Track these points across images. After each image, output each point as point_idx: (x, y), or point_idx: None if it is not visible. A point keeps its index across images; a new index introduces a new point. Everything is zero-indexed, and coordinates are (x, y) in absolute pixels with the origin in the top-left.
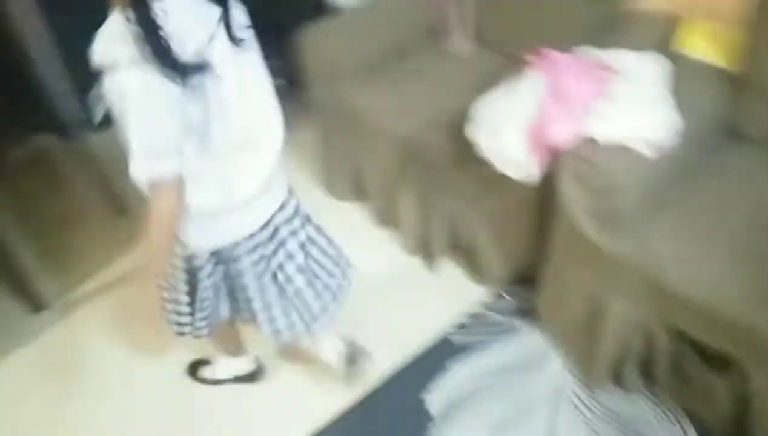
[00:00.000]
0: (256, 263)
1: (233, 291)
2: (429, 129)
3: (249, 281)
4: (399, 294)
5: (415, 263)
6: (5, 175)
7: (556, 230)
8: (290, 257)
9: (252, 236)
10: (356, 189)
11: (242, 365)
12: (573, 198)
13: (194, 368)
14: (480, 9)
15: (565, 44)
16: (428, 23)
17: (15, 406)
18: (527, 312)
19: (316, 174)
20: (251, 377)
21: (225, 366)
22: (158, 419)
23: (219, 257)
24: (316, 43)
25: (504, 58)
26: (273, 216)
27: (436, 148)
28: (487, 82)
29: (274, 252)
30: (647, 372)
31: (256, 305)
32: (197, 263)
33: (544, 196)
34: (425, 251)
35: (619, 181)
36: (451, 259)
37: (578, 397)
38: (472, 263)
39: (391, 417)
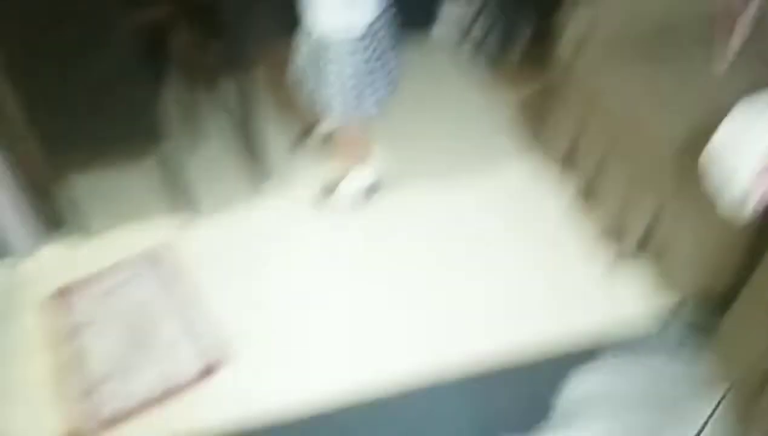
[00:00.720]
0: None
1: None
2: (665, 127)
3: (333, 68)
4: (573, 273)
5: (601, 247)
6: (270, 65)
7: (761, 267)
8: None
9: (347, 35)
10: (566, 157)
11: (367, 175)
12: None
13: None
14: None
15: None
16: (703, 22)
17: (223, 252)
18: (699, 338)
19: (525, 142)
20: (374, 188)
21: (352, 180)
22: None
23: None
24: (579, 6)
25: None
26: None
27: (667, 148)
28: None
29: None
30: None
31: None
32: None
33: (759, 229)
34: (616, 237)
35: None
36: (639, 256)
37: None
38: (659, 267)
39: (514, 396)
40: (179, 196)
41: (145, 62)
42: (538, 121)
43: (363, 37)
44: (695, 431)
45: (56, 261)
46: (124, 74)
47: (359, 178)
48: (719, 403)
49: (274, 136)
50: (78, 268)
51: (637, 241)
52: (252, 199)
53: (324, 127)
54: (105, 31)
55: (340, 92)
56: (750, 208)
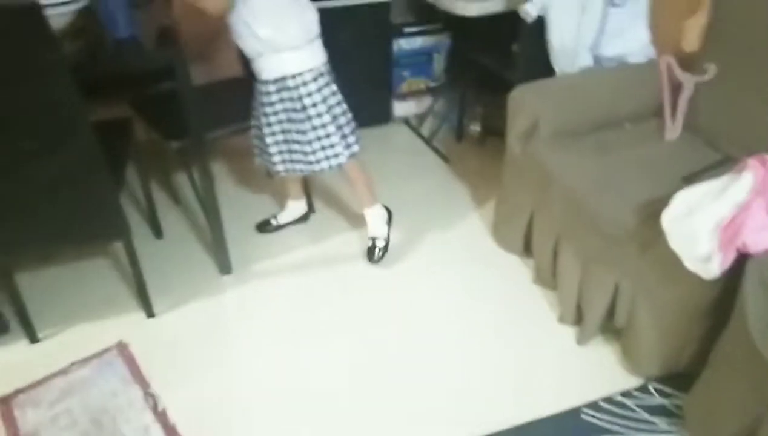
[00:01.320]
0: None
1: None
2: (615, 203)
3: (309, 111)
4: (541, 355)
5: (564, 330)
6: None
7: (725, 334)
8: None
9: (311, 70)
10: (523, 244)
11: (299, 209)
12: (753, 307)
13: (262, 226)
14: (704, 100)
15: None
16: (644, 103)
17: (184, 347)
18: (671, 412)
19: (488, 219)
20: (304, 218)
21: (286, 212)
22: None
23: (286, 87)
24: (524, 97)
25: (714, 153)
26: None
27: (621, 223)
28: (690, 172)
29: (332, 92)
30: None
31: (312, 134)
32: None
33: (719, 297)
34: (578, 320)
35: None
36: (603, 335)
37: None
38: (625, 345)
39: None
40: (137, 292)
41: (101, 159)
42: (498, 205)
43: (325, 71)
44: None
45: (4, 366)
46: (79, 171)
47: (380, 214)
48: None
49: (236, 227)
50: (29, 372)
51: (598, 322)
52: (213, 292)
53: (287, 211)
54: (61, 129)
55: (326, 133)
56: (716, 266)
